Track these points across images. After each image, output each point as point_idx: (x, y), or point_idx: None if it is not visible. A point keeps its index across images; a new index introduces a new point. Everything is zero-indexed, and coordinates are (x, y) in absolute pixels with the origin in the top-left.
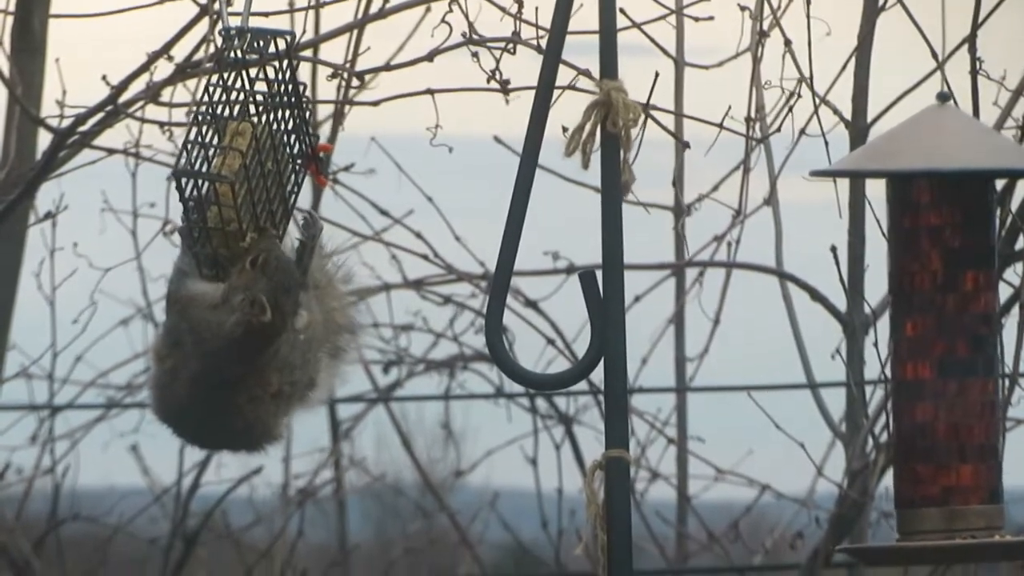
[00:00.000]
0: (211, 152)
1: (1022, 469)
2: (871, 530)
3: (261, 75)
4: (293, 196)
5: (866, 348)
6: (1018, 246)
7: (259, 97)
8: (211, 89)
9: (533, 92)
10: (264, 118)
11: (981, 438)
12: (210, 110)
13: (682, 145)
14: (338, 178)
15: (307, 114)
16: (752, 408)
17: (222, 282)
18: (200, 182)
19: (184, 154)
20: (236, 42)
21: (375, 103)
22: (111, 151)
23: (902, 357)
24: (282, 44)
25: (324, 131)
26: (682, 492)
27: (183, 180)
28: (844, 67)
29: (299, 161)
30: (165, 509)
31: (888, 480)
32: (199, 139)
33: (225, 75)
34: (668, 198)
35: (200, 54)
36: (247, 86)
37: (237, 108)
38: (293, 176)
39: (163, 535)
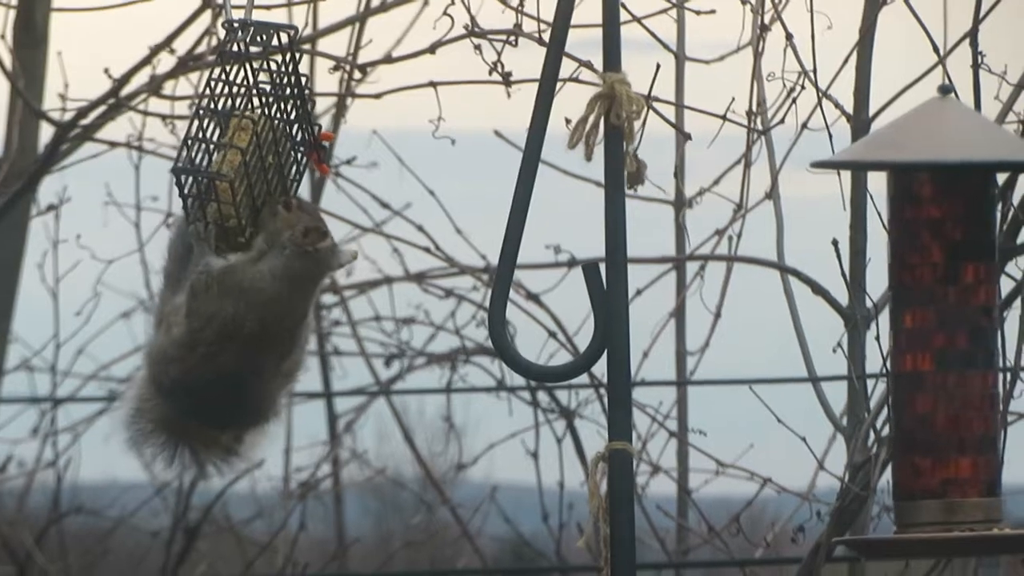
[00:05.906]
0: (212, 147)
1: (1022, 463)
2: (873, 524)
3: (263, 68)
4: (295, 184)
5: (868, 342)
6: (1019, 240)
7: (262, 89)
8: (213, 83)
9: (534, 85)
10: (266, 112)
11: (980, 431)
12: (212, 104)
13: (683, 136)
14: (340, 171)
15: (309, 104)
16: (753, 402)
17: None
18: (200, 179)
19: (184, 150)
20: (239, 35)
21: (377, 95)
22: (114, 144)
23: (902, 349)
24: (284, 38)
25: (326, 124)
26: (683, 486)
27: (183, 177)
28: (846, 61)
29: (301, 149)
30: (166, 502)
31: (889, 474)
32: (200, 134)
33: (227, 68)
34: (668, 193)
35: (202, 47)
36: (250, 79)
37: (239, 101)
38: (295, 165)
39: (164, 528)
